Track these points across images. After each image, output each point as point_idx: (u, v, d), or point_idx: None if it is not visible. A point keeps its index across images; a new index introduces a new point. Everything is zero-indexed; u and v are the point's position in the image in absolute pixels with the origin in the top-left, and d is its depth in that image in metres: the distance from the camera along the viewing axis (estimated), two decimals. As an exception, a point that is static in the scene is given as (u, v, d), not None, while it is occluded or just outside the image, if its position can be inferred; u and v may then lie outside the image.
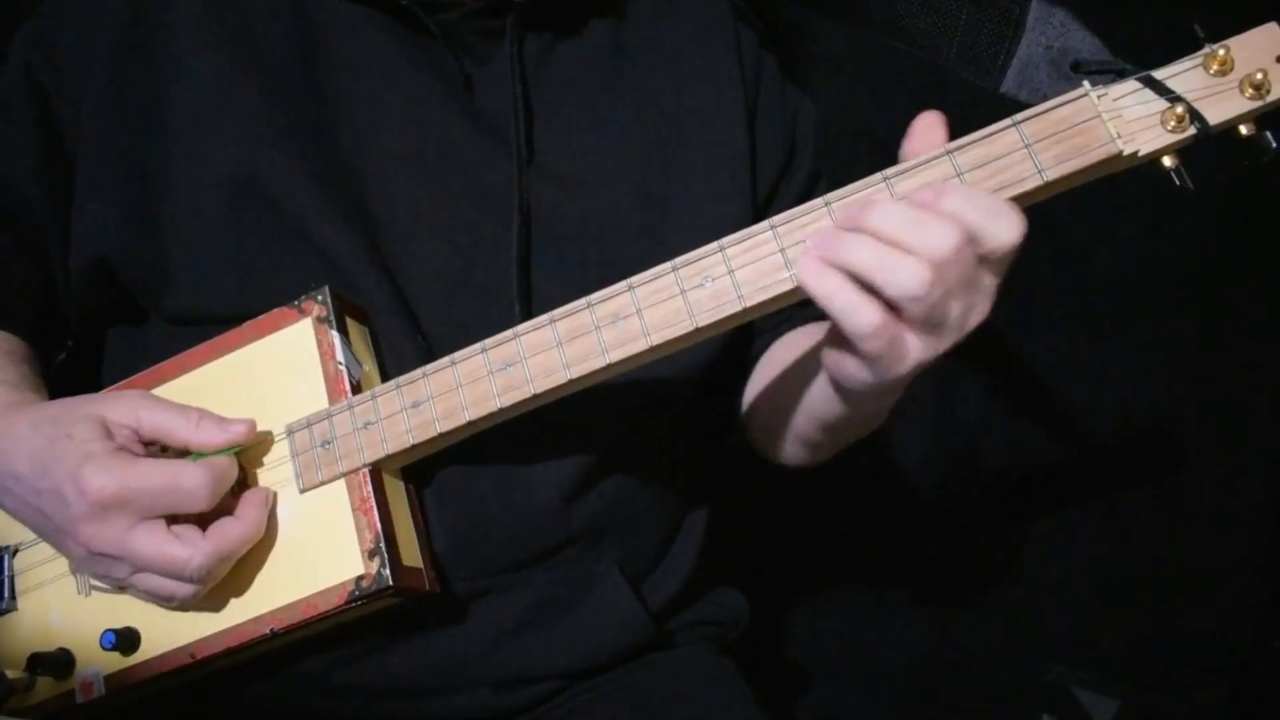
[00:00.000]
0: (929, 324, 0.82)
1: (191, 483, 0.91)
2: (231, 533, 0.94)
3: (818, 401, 1.09)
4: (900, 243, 0.80)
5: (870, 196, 0.85)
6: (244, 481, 1.01)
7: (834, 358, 0.91)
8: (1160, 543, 1.99)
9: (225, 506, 0.96)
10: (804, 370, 1.12)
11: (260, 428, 1.01)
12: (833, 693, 1.97)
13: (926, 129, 0.86)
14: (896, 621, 2.03)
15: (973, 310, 0.84)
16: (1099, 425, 1.99)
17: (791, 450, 1.24)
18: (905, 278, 0.79)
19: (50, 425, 0.95)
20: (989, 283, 0.84)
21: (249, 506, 0.96)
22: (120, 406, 0.97)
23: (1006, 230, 0.80)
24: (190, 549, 0.91)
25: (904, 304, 0.80)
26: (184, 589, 0.93)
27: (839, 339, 0.88)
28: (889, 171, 0.85)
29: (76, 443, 0.92)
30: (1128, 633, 2.00)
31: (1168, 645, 1.99)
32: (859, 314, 0.81)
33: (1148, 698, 1.95)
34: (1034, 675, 1.99)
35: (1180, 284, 1.92)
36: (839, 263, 0.82)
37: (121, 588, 0.98)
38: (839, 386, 0.98)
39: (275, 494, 0.99)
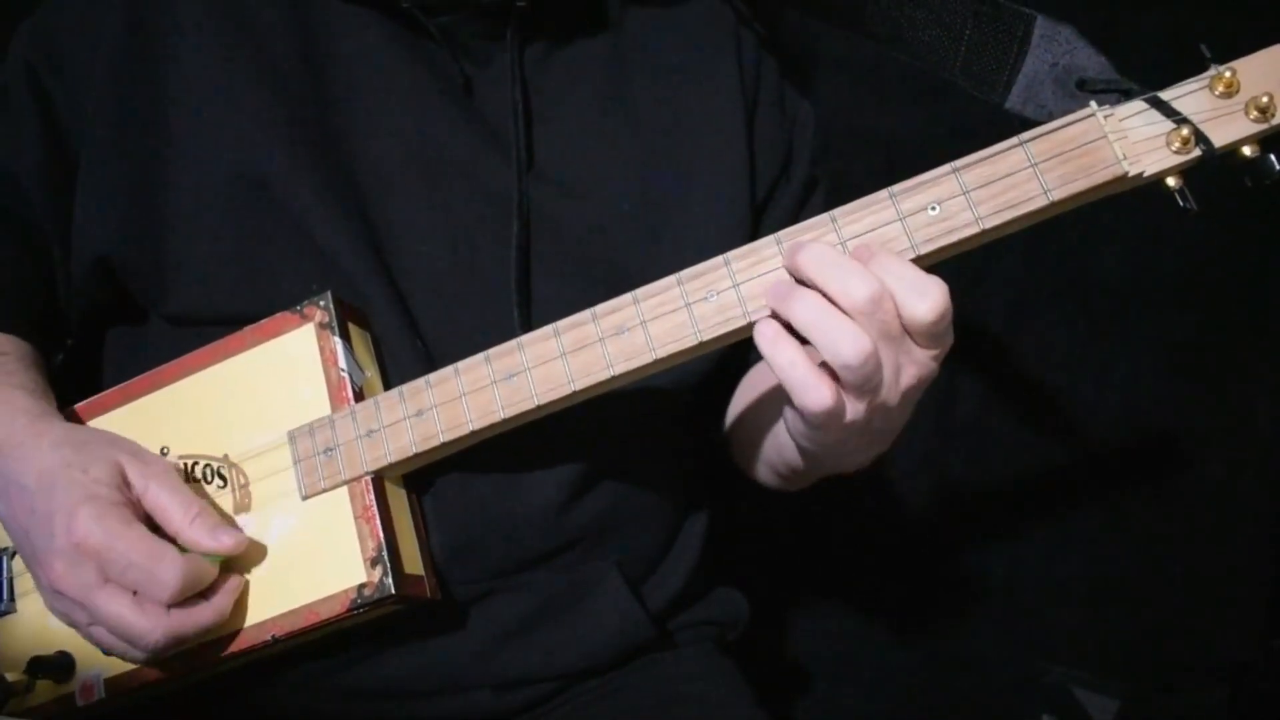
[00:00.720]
0: (862, 389, 0.84)
1: (166, 574, 0.91)
2: (198, 618, 0.94)
3: (785, 442, 1.08)
4: (821, 287, 0.82)
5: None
6: (244, 487, 1.01)
7: (788, 414, 0.95)
8: (1160, 543, 1.99)
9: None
10: (776, 404, 1.12)
11: (262, 434, 1.02)
12: (833, 693, 1.97)
13: None
14: (896, 621, 2.04)
15: (902, 372, 0.85)
16: (1099, 425, 1.99)
17: (766, 475, 1.26)
18: (843, 345, 0.81)
19: (70, 450, 0.95)
20: (920, 354, 0.85)
21: (222, 595, 0.96)
22: (140, 468, 0.97)
23: (921, 306, 0.81)
24: (150, 624, 0.91)
25: (837, 369, 0.82)
26: (133, 653, 0.94)
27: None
28: (895, 189, 0.85)
29: (88, 480, 0.93)
30: (1128, 633, 2.00)
31: (1168, 645, 1.99)
32: (811, 392, 0.83)
33: (1148, 698, 1.95)
34: (1034, 675, 1.99)
35: (1180, 284, 1.92)
36: (784, 316, 0.84)
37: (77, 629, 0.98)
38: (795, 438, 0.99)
39: (244, 582, 0.99)
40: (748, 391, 1.27)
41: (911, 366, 0.85)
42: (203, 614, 0.94)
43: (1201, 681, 1.96)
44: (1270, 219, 1.81)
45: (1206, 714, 1.94)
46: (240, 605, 0.98)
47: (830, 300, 0.82)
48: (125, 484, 0.95)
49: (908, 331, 0.84)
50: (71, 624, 0.97)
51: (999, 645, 2.02)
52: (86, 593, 0.91)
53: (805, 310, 0.83)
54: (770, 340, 0.84)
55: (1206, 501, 1.97)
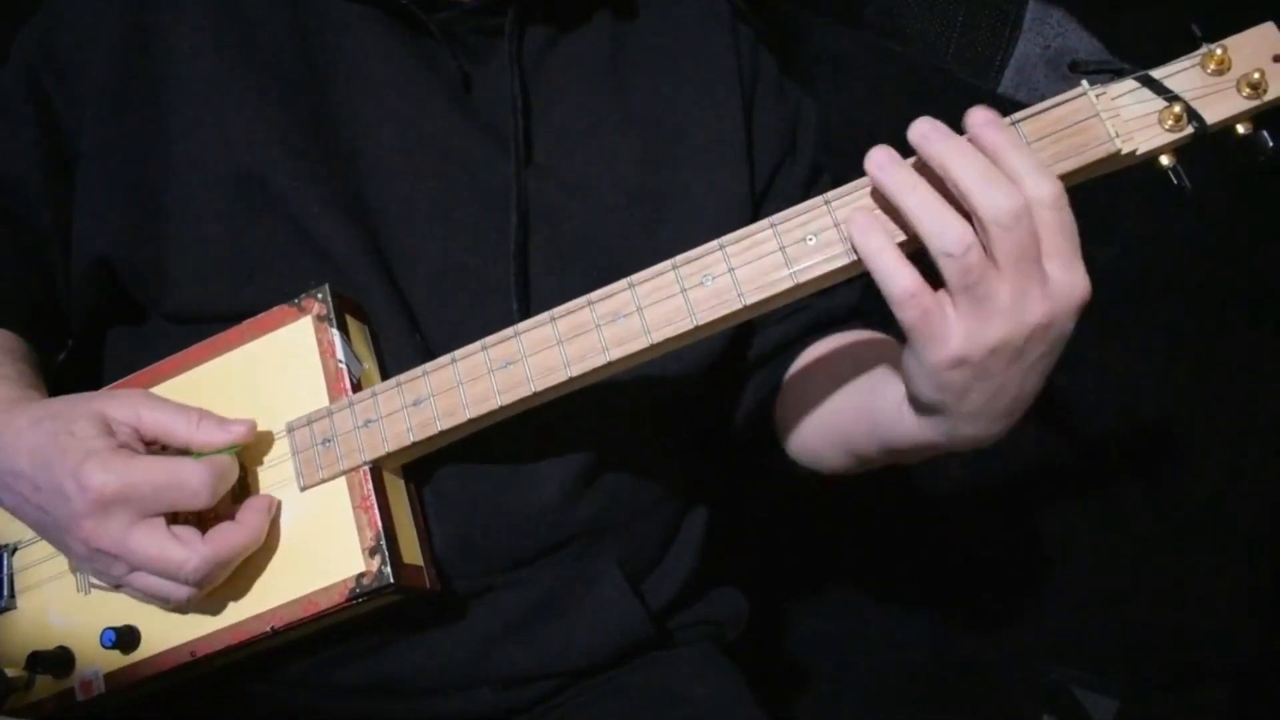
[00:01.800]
0: (971, 297, 0.80)
1: (194, 479, 0.91)
2: (231, 538, 0.93)
3: (886, 423, 1.02)
4: (965, 192, 0.78)
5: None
6: (244, 480, 1.01)
7: (910, 362, 0.89)
8: (1160, 543, 1.99)
9: (227, 512, 0.97)
10: (870, 388, 1.07)
11: (260, 426, 1.01)
12: (833, 693, 1.97)
13: None
14: (896, 621, 2.03)
15: (1029, 300, 0.80)
16: (1099, 425, 1.99)
17: (840, 461, 1.19)
18: (952, 235, 0.78)
19: (51, 421, 0.94)
20: (1054, 288, 0.80)
21: (251, 512, 0.96)
22: (122, 404, 0.97)
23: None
24: (188, 551, 0.90)
25: (942, 262, 0.79)
26: (180, 591, 0.93)
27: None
28: None
29: (78, 439, 0.92)
30: (1128, 633, 2.00)
31: (1168, 645, 1.99)
32: (897, 277, 0.81)
33: (1148, 698, 1.95)
34: (1034, 675, 1.99)
35: (1180, 283, 1.92)
36: (888, 190, 0.81)
37: (118, 586, 0.97)
38: (921, 407, 0.93)
39: (279, 502, 0.99)
40: (815, 378, 1.22)
41: (1042, 301, 0.80)
42: (236, 534, 0.94)
43: (1201, 681, 1.96)
44: (1270, 218, 1.82)
45: (1206, 714, 1.94)
46: (239, 596, 0.98)
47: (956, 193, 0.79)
48: (113, 428, 0.95)
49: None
50: (114, 584, 0.97)
51: (999, 645, 2.02)
52: (122, 538, 0.91)
53: (910, 198, 0.80)
54: (862, 228, 0.83)
55: (1206, 501, 1.97)
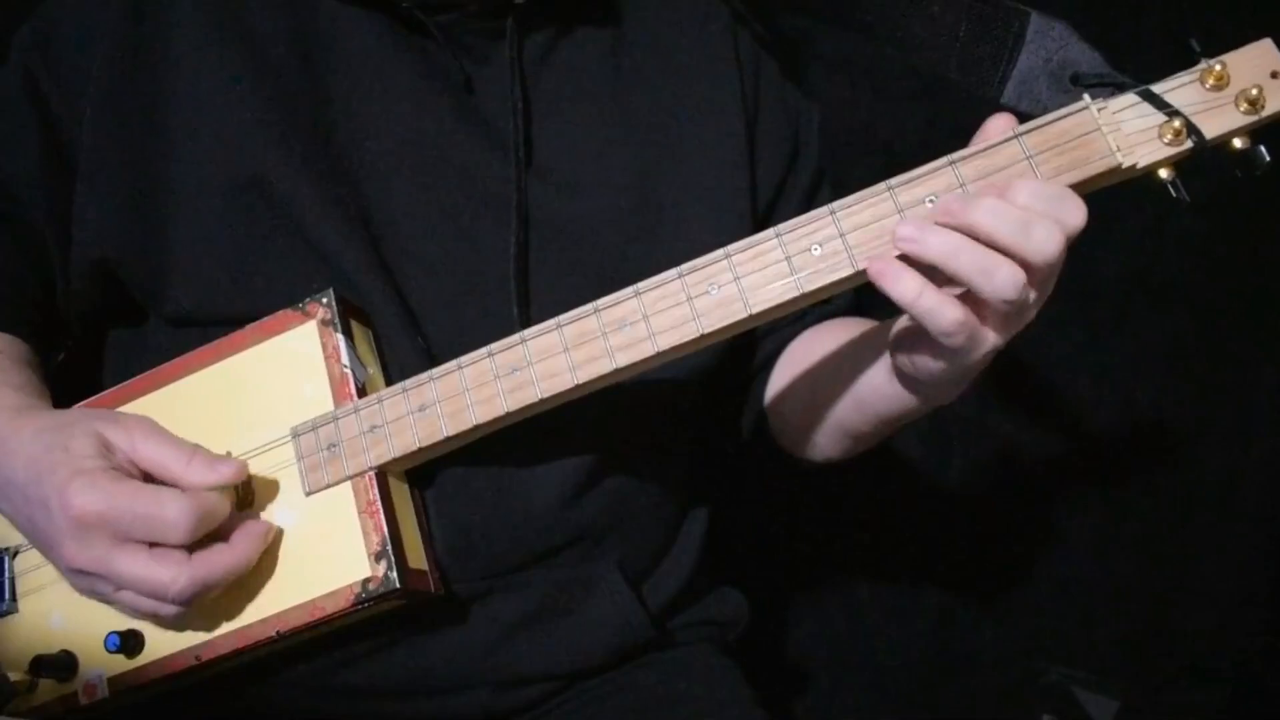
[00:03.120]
0: (1011, 318, 0.87)
1: (175, 515, 0.91)
2: (218, 561, 0.93)
3: (874, 397, 1.10)
4: (1007, 247, 0.82)
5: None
6: (250, 484, 1.01)
7: (904, 358, 0.96)
8: (1160, 542, 1.99)
9: (225, 529, 0.96)
10: (852, 366, 1.12)
11: (265, 430, 1.02)
12: (833, 693, 1.97)
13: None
14: (896, 621, 2.03)
15: (1045, 295, 0.88)
16: (1099, 425, 1.99)
17: (830, 445, 1.24)
18: (1003, 282, 0.82)
19: (51, 434, 0.95)
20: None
21: (244, 537, 0.96)
22: (121, 430, 0.96)
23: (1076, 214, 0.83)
24: (173, 572, 0.90)
25: (994, 304, 0.84)
26: (166, 609, 0.93)
27: (908, 339, 0.94)
28: (893, 181, 0.86)
29: (72, 456, 0.92)
30: (1128, 633, 2.00)
31: (1168, 645, 1.99)
32: (943, 313, 0.84)
33: (1148, 698, 1.96)
34: (1034, 675, 1.99)
35: (1180, 284, 1.92)
36: (933, 260, 0.83)
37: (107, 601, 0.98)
38: (909, 381, 1.01)
39: (279, 530, 0.99)
40: (797, 364, 1.27)
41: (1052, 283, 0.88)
42: (223, 557, 0.93)
43: (1201, 681, 1.96)
44: (1270, 219, 1.82)
45: (1206, 714, 1.94)
46: (244, 601, 0.98)
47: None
48: (110, 449, 0.95)
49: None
50: (101, 599, 0.97)
51: (999, 645, 2.02)
52: (103, 562, 0.91)
53: (960, 257, 0.83)
54: (894, 277, 0.84)
55: (1206, 501, 1.97)
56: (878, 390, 1.08)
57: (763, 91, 1.30)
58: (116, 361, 1.23)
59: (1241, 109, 0.81)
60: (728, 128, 1.23)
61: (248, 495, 1.01)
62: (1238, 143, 0.82)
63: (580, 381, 0.92)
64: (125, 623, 0.99)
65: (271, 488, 1.01)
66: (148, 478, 0.96)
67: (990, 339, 0.88)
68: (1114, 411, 1.98)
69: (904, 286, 0.84)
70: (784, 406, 1.30)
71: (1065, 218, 0.82)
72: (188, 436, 1.01)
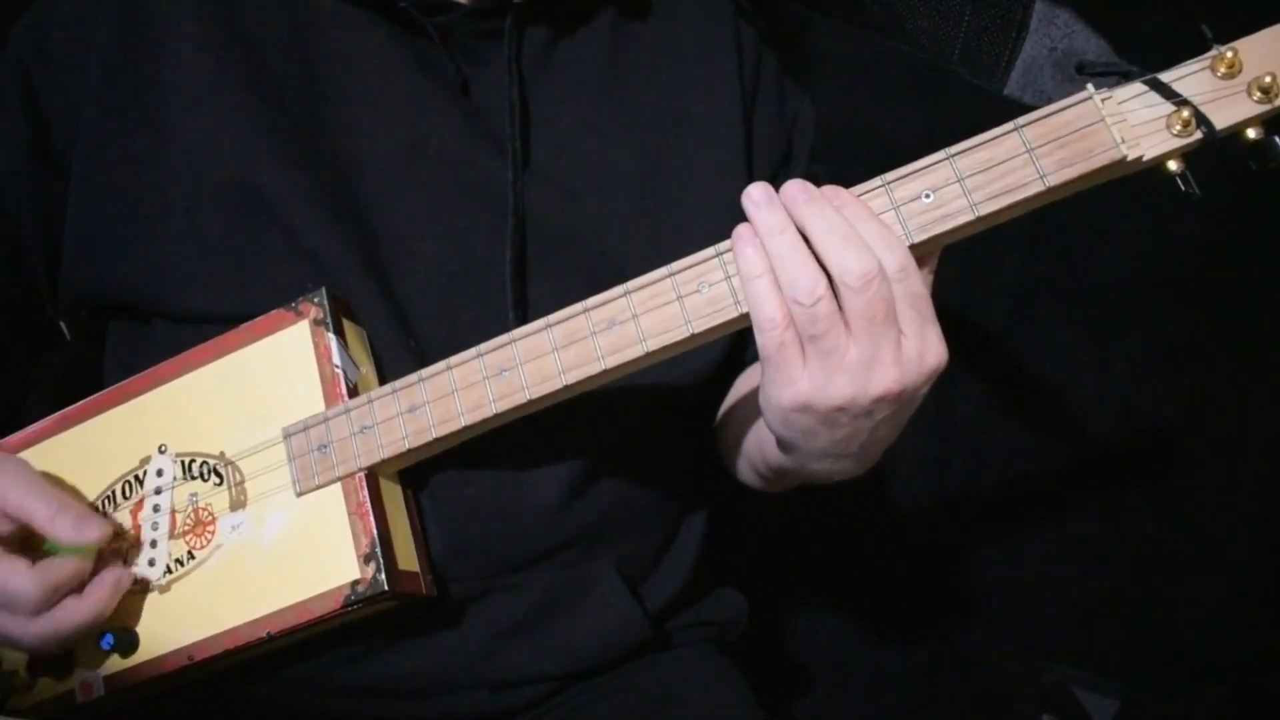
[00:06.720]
0: (817, 349, 0.83)
1: (18, 587, 0.92)
2: (70, 617, 0.95)
3: (767, 440, 1.06)
4: (821, 250, 0.82)
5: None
6: (243, 485, 1.01)
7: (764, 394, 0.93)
8: (1160, 542, 1.98)
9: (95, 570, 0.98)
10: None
11: (257, 430, 1.02)
12: (833, 693, 1.97)
13: None
14: (896, 621, 2.04)
15: (877, 367, 0.83)
16: (1099, 425, 1.99)
17: (746, 473, 1.26)
18: (795, 280, 0.81)
19: None
20: (905, 355, 0.84)
21: (98, 589, 0.97)
22: None
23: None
24: (20, 630, 0.94)
25: (796, 315, 0.82)
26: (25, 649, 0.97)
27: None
28: (889, 176, 0.85)
29: None
30: (1128, 633, 1.99)
31: (1168, 645, 1.98)
32: (768, 301, 0.83)
33: (1148, 698, 1.95)
34: (1034, 675, 1.99)
35: (1180, 284, 1.91)
36: (757, 229, 0.84)
37: None
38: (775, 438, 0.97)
39: (131, 576, 1.00)
40: (737, 388, 1.27)
41: (892, 368, 0.83)
42: (76, 613, 0.95)
43: (1201, 681, 1.96)
44: (1271, 219, 1.81)
45: (1206, 714, 1.94)
46: (236, 602, 0.98)
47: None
48: None
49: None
50: None
51: (999, 645, 2.02)
52: None
53: (779, 242, 0.83)
54: (746, 240, 0.85)
55: (1206, 501, 1.97)
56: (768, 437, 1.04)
57: (762, 88, 1.29)
58: (118, 353, 1.22)
59: (1255, 98, 0.78)
60: (728, 126, 1.23)
61: (240, 496, 1.01)
62: (1251, 133, 0.80)
63: (570, 382, 0.91)
64: (120, 623, 1.00)
65: (263, 488, 1.01)
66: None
67: (795, 368, 0.84)
68: (1114, 411, 1.98)
69: (752, 263, 0.84)
70: (721, 423, 1.31)
71: (887, 257, 0.81)
72: (182, 437, 1.04)
